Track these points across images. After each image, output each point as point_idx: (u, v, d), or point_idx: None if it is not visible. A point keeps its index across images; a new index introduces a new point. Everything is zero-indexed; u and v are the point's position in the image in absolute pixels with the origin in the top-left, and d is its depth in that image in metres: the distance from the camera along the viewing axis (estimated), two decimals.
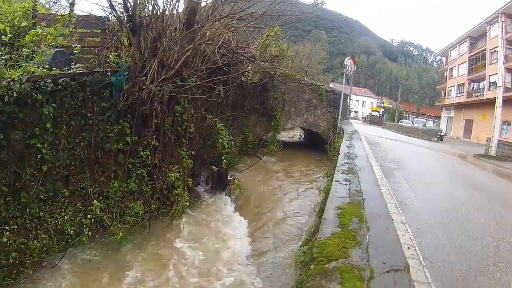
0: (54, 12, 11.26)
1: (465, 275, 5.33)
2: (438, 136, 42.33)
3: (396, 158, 16.96)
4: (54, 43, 9.28)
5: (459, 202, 10.03)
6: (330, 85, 47.49)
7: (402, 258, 4.53)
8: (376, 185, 9.08)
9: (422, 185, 11.70)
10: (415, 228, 6.26)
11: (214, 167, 14.25)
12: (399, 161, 16.03)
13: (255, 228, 12.10)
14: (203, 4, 11.53)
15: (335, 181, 8.43)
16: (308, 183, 17.67)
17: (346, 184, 8.15)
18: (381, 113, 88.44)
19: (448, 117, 64.40)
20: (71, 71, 9.14)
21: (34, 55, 9.30)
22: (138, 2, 10.20)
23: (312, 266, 4.13)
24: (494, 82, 41.05)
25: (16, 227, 7.93)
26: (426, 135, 42.21)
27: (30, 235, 8.17)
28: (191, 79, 11.58)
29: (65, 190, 9.21)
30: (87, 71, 9.68)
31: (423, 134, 42.80)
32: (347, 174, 9.27)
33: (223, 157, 14.06)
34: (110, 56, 10.53)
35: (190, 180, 12.22)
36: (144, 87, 10.08)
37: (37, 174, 8.50)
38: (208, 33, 12.06)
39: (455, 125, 60.34)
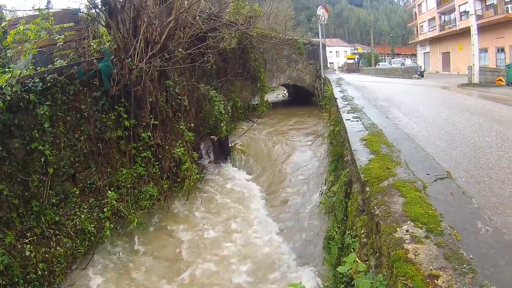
0: (24, 14, 10.78)
1: (489, 186, 5.61)
2: (419, 73, 42.29)
3: (387, 97, 17.18)
4: (36, 40, 8.94)
5: (461, 126, 10.28)
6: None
7: (442, 169, 4.69)
8: (386, 117, 9.23)
9: (420, 116, 11.92)
10: (430, 152, 6.34)
11: (213, 136, 14.14)
12: (390, 99, 16.25)
13: (269, 187, 12.37)
14: None
15: (346, 119, 8.55)
16: (307, 133, 17.72)
17: (357, 121, 8.26)
18: (356, 60, 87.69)
19: (424, 53, 64.45)
20: (57, 66, 8.96)
21: (19, 56, 9.13)
22: None
23: (367, 188, 4.23)
24: (465, 12, 41.03)
25: (35, 237, 7.75)
26: (406, 73, 42.37)
27: (52, 243, 8.00)
28: (178, 50, 11.46)
29: (74, 189, 9.03)
30: (73, 63, 9.49)
31: (403, 73, 43.00)
32: (353, 113, 9.38)
33: (222, 124, 14.01)
34: (92, 44, 10.36)
35: (195, 153, 12.26)
36: (133, 67, 9.94)
37: (44, 179, 8.27)
38: (186, 2, 11.86)
39: (432, 60, 60.49)
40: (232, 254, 8.63)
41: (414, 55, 76.86)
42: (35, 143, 8.06)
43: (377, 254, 3.58)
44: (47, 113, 8.31)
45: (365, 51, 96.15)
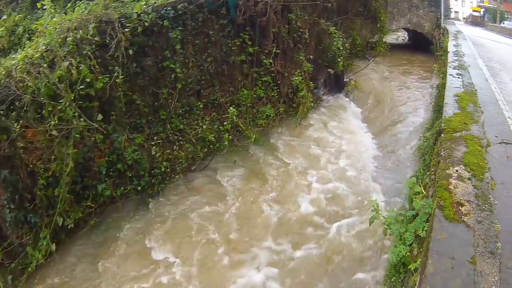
0: None
1: None
2: None
3: (502, 60, 16.53)
4: None
5: None
6: None
7: None
8: (485, 80, 9.65)
9: None
10: None
11: (330, 70, 15.01)
12: (504, 63, 15.67)
13: (377, 122, 13.43)
14: None
15: (449, 74, 9.35)
16: (420, 81, 18.10)
17: (459, 78, 9.05)
18: (482, 13, 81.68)
19: None
20: None
21: None
22: None
23: (442, 135, 5.26)
24: None
25: (160, 141, 9.44)
26: None
27: (175, 146, 9.70)
28: None
29: (199, 103, 10.55)
30: None
31: None
32: (458, 69, 10.03)
33: (338, 59, 14.73)
34: None
35: (311, 83, 13.32)
36: (258, 0, 10.95)
37: (172, 92, 9.80)
38: None
39: None
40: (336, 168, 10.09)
41: None
42: (166, 61, 9.56)
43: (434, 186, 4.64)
44: (178, 36, 9.71)
45: (491, 5, 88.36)
